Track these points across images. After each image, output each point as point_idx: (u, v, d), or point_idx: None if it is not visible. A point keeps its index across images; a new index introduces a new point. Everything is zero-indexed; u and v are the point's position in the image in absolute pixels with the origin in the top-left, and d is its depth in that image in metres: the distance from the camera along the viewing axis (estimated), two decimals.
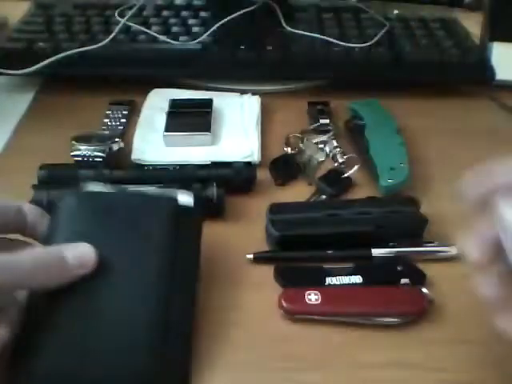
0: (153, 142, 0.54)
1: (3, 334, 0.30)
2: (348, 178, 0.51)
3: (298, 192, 0.50)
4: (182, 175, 0.48)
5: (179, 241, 0.38)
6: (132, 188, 0.45)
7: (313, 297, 0.39)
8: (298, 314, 0.39)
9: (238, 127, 0.56)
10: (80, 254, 0.32)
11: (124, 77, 0.62)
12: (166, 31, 0.65)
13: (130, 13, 0.66)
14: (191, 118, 0.55)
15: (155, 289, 0.35)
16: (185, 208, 0.40)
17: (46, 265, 0.29)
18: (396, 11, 0.72)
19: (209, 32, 0.64)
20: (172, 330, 0.35)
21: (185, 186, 0.46)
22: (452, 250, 0.43)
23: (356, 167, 0.51)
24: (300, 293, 0.39)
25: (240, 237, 0.46)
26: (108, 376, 0.33)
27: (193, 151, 0.53)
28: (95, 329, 0.33)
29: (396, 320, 0.38)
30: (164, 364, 0.34)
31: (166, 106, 0.57)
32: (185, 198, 0.40)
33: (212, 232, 0.43)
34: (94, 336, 0.33)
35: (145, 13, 0.69)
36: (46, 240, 0.35)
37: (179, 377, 0.35)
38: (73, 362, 0.32)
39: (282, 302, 0.39)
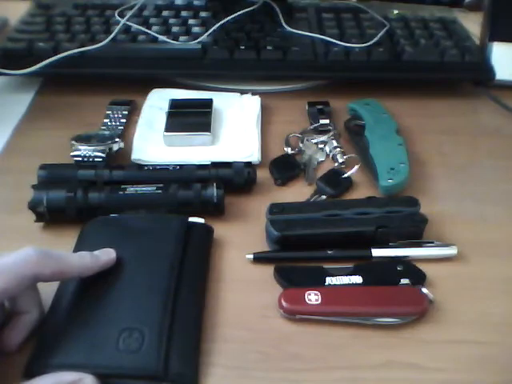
0: (153, 141, 0.54)
1: (34, 317, 0.37)
2: (348, 178, 0.51)
3: (298, 192, 0.50)
4: (182, 175, 0.48)
5: (188, 250, 0.42)
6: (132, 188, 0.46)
7: (313, 297, 0.39)
8: (298, 314, 0.39)
9: (238, 127, 0.56)
10: (104, 250, 0.40)
11: (124, 77, 0.62)
12: (166, 31, 0.65)
13: (130, 13, 0.66)
14: (191, 118, 0.55)
15: (164, 293, 0.38)
16: (195, 222, 0.44)
17: (83, 257, 0.38)
18: (396, 11, 0.72)
19: (209, 32, 0.64)
20: (180, 330, 0.36)
21: (185, 185, 0.46)
22: (452, 250, 0.43)
23: (356, 167, 0.51)
24: (300, 293, 0.39)
25: (240, 237, 0.46)
26: (115, 370, 0.34)
27: (193, 151, 0.53)
28: (105, 327, 0.36)
29: (396, 320, 0.38)
30: (172, 363, 0.34)
31: (166, 106, 0.57)
32: (195, 219, 0.45)
33: None
34: (103, 333, 0.36)
35: (145, 13, 0.69)
36: None
37: (187, 375, 0.35)
38: (81, 355, 0.35)
39: (282, 301, 0.39)
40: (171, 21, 0.67)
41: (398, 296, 0.40)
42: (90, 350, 0.35)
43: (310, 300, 0.39)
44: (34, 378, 0.32)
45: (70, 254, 0.39)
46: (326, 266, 0.42)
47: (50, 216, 0.45)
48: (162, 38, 0.63)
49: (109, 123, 0.57)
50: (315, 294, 0.39)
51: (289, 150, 0.54)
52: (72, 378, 0.32)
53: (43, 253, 0.35)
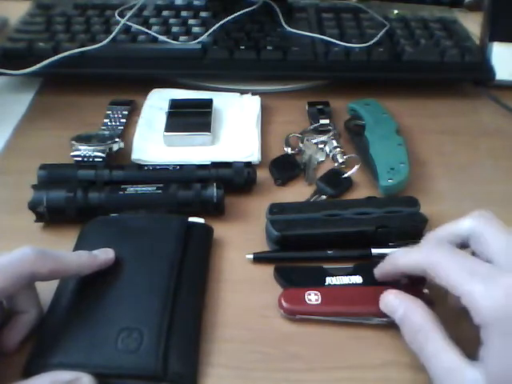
0: (153, 141, 0.54)
1: (33, 317, 0.37)
2: (348, 178, 0.51)
3: (298, 192, 0.50)
4: (182, 175, 0.48)
5: (188, 250, 0.42)
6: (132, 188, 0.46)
7: (313, 297, 0.39)
8: (298, 314, 0.39)
9: (238, 127, 0.56)
10: (102, 249, 0.40)
11: (124, 77, 0.62)
12: (166, 31, 0.65)
13: (130, 13, 0.66)
14: (191, 118, 0.55)
15: (164, 293, 0.38)
16: (195, 222, 0.44)
17: (80, 256, 0.38)
18: (396, 11, 0.72)
19: (209, 32, 0.64)
20: (179, 330, 0.36)
21: (185, 185, 0.46)
22: None
23: (356, 167, 0.51)
24: (300, 293, 0.39)
25: (240, 237, 0.46)
26: (114, 370, 0.34)
27: (193, 151, 0.53)
28: (104, 326, 0.36)
29: None
30: (171, 362, 0.34)
31: (166, 106, 0.57)
32: (195, 219, 0.45)
33: None
34: (102, 332, 0.35)
35: (145, 13, 0.69)
36: None
37: (186, 375, 0.35)
38: (80, 355, 0.35)
39: (282, 301, 0.39)
40: (171, 21, 0.67)
41: None
42: (88, 350, 0.35)
43: (309, 300, 0.39)
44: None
45: (67, 253, 0.39)
46: (326, 266, 0.42)
47: (50, 216, 0.45)
48: (162, 38, 0.63)
49: (109, 123, 0.57)
50: (315, 294, 0.39)
51: (289, 150, 0.54)
52: (69, 378, 0.32)
53: (40, 252, 0.35)
